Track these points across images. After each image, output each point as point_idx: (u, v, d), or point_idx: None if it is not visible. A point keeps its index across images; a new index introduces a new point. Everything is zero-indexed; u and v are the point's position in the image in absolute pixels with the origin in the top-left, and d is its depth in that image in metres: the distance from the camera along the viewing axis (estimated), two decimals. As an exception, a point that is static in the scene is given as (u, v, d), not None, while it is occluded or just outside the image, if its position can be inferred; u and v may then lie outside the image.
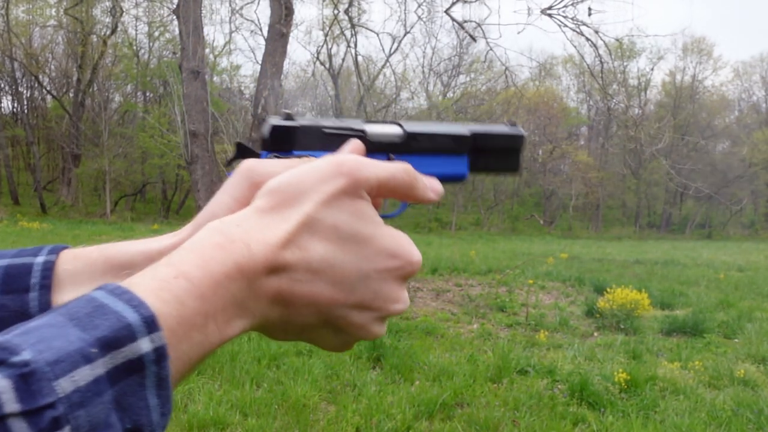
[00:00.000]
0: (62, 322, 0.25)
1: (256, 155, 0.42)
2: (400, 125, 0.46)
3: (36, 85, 27.96)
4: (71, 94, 27.49)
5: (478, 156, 0.49)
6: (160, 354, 0.27)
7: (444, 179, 0.45)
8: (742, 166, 35.14)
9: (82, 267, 0.39)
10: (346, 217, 0.34)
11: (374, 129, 0.45)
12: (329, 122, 0.44)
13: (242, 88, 28.40)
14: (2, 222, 18.86)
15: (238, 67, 30.37)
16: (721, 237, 33.91)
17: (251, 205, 0.34)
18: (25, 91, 28.58)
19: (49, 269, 0.39)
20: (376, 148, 0.44)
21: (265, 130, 0.44)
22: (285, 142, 0.43)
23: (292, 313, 0.33)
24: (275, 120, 0.43)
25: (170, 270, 0.29)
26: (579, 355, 4.71)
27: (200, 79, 7.42)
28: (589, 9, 8.82)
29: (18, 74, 27.03)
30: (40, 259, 0.39)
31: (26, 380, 0.23)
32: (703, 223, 37.06)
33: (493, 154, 0.50)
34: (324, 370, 3.88)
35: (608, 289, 6.41)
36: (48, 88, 27.95)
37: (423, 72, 30.20)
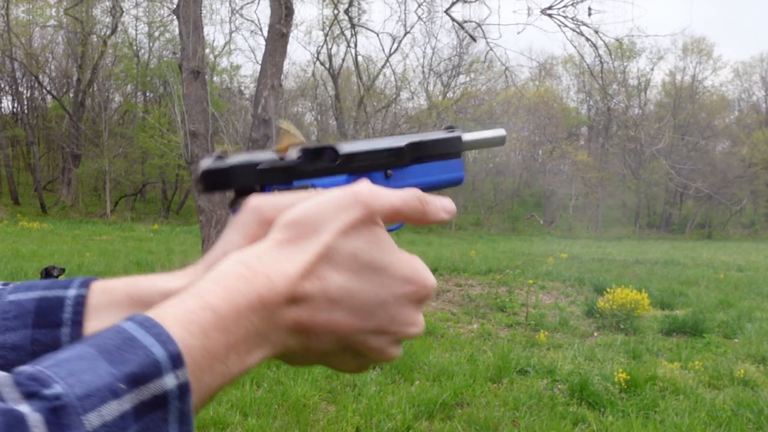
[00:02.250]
0: (92, 354, 0.26)
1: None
2: (333, 146, 0.45)
3: (36, 85, 27.97)
4: (71, 94, 27.50)
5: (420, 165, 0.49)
6: (183, 390, 0.27)
7: (442, 185, 0.46)
8: (742, 166, 35.11)
9: (107, 302, 0.40)
10: (363, 246, 0.34)
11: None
12: (262, 156, 0.44)
13: (242, 88, 28.40)
14: (2, 222, 18.87)
15: (238, 67, 30.37)
16: (721, 237, 33.91)
17: (269, 238, 0.35)
18: (25, 91, 28.60)
19: (80, 303, 0.39)
20: (366, 168, 0.45)
21: (198, 174, 0.43)
22: (219, 183, 0.43)
23: (312, 341, 0.34)
24: (206, 163, 0.43)
25: (197, 301, 0.30)
26: (579, 355, 4.72)
27: (200, 79, 7.42)
28: (589, 9, 8.82)
29: (18, 74, 27.05)
30: (71, 292, 0.39)
31: (57, 414, 0.23)
32: (703, 223, 37.05)
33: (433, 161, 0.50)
34: (324, 370, 3.88)
35: (608, 289, 6.41)
36: (48, 88, 27.96)
37: (423, 72, 30.19)
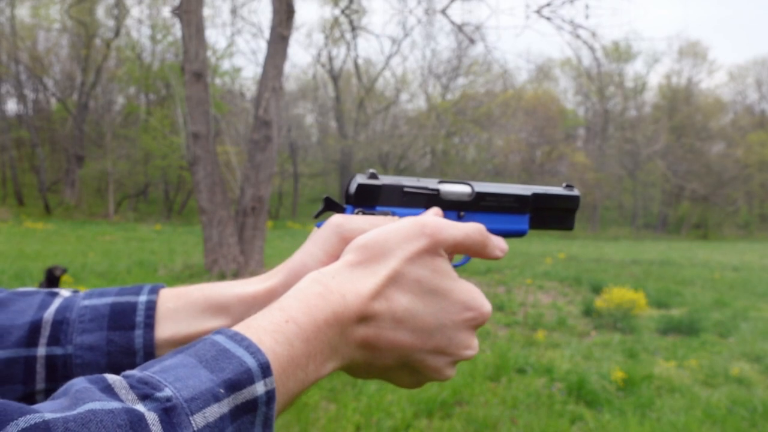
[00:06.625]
0: (193, 363, 0.29)
1: (342, 209, 0.47)
2: (470, 185, 0.51)
3: (40, 87, 28.01)
4: (75, 97, 27.54)
5: (538, 214, 0.54)
6: (270, 396, 0.30)
7: (506, 234, 0.50)
8: (737, 168, 35.12)
9: (183, 305, 0.43)
10: (427, 273, 0.39)
11: (447, 188, 0.50)
12: (408, 181, 0.49)
13: (244, 91, 28.46)
14: (7, 222, 18.92)
15: (239, 70, 30.39)
16: (716, 237, 33.93)
17: (342, 259, 0.39)
18: (29, 94, 28.56)
19: (151, 308, 0.43)
20: (449, 206, 0.49)
21: (352, 187, 0.47)
22: (369, 198, 0.47)
23: (376, 357, 0.39)
24: (361, 178, 0.48)
25: (282, 315, 0.34)
26: (576, 354, 4.77)
27: (202, 81, 7.48)
28: (587, 6, 8.90)
29: (23, 77, 27.05)
30: (142, 298, 0.44)
31: (168, 414, 0.26)
32: (699, 223, 37.07)
33: (551, 212, 0.55)
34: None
35: (605, 289, 6.47)
36: (52, 91, 28.01)
37: (422, 74, 30.26)
